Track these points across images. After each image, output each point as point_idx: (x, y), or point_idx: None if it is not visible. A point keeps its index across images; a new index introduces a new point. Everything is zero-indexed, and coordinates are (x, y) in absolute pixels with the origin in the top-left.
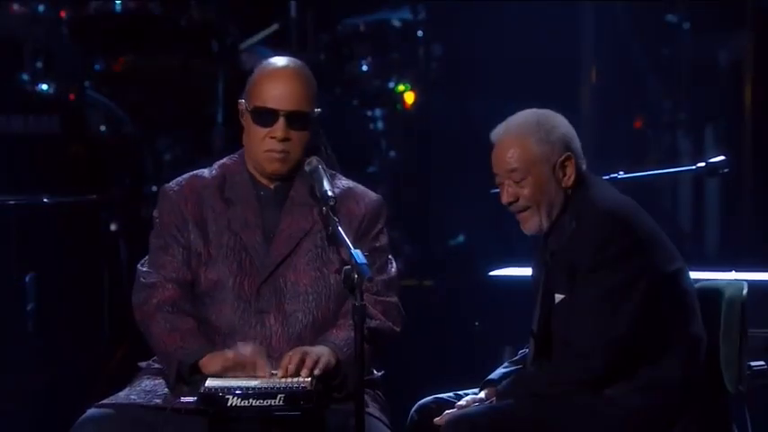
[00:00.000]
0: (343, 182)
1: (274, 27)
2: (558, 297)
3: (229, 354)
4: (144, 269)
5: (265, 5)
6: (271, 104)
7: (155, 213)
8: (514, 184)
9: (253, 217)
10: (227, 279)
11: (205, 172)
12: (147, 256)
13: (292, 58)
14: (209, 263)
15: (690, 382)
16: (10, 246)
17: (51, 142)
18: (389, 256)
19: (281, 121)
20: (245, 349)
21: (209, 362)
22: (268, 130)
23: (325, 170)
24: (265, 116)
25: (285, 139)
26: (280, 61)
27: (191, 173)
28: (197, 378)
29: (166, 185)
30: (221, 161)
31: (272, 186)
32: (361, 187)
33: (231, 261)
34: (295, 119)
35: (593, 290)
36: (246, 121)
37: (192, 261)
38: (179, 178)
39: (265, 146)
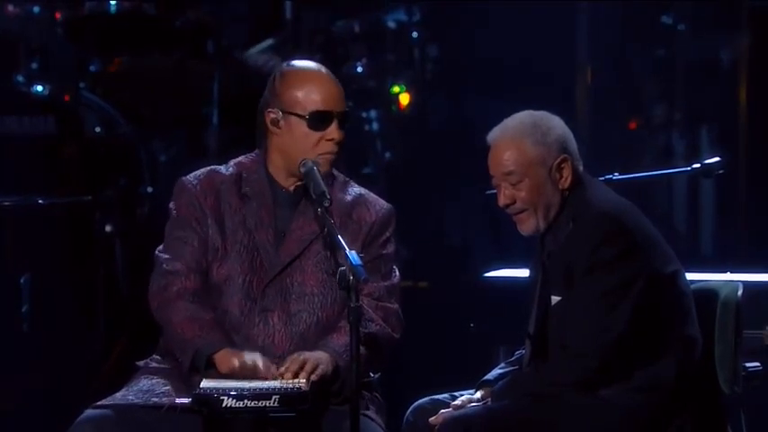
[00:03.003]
0: (356, 189)
1: (281, 38)
2: (555, 299)
3: (246, 359)
4: (165, 256)
5: (261, 5)
6: (326, 107)
7: (171, 206)
8: (511, 186)
9: (267, 215)
10: (237, 276)
11: (221, 168)
12: (164, 244)
13: (316, 63)
14: (223, 258)
15: (685, 383)
16: (5, 247)
17: (46, 143)
18: (394, 265)
19: (335, 122)
20: (259, 361)
21: (224, 357)
22: (322, 133)
23: (320, 171)
24: (322, 119)
25: (338, 142)
26: (312, 64)
27: (208, 168)
28: (211, 370)
29: (184, 178)
30: (237, 159)
31: (290, 188)
32: (372, 195)
33: (243, 258)
34: (344, 119)
35: (589, 291)
36: (288, 126)
37: (209, 255)
38: (197, 172)
39: (320, 149)
